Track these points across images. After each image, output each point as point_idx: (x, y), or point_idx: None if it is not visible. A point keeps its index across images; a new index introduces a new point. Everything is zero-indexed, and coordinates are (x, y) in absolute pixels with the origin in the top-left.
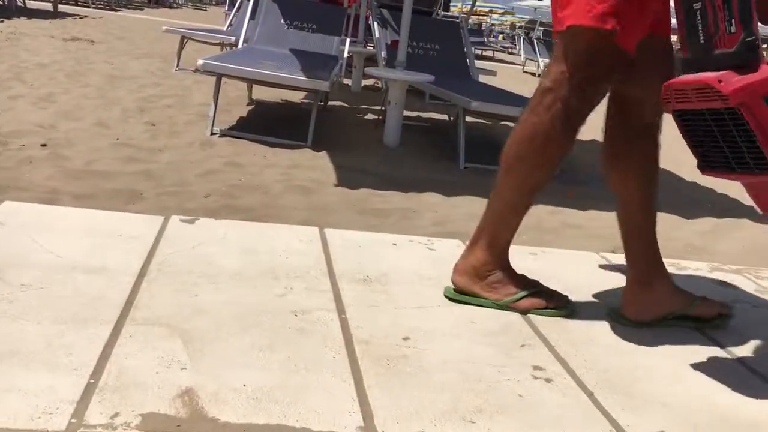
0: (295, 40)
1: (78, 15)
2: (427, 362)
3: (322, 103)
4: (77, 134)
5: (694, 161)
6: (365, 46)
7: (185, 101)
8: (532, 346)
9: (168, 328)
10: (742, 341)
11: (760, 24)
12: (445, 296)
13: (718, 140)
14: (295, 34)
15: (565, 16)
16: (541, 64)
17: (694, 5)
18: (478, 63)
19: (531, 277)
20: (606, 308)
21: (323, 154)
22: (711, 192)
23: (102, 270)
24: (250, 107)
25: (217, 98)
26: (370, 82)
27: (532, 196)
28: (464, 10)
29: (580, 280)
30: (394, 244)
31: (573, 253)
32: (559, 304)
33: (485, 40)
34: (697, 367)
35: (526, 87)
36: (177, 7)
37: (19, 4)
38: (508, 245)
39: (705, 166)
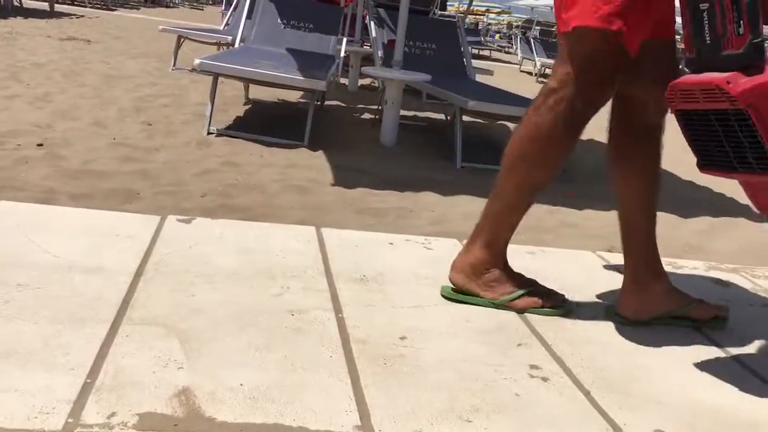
0: (292, 39)
1: (74, 14)
2: (423, 361)
3: (319, 103)
4: (74, 134)
5: (691, 160)
6: (362, 46)
7: (182, 101)
8: (528, 345)
9: (165, 328)
10: (739, 340)
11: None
12: (442, 295)
13: (721, 139)
14: (292, 34)
15: (570, 17)
16: (538, 64)
17: (701, 5)
18: (475, 62)
19: (528, 276)
20: (603, 307)
21: (320, 153)
22: (707, 191)
23: (99, 270)
24: (246, 107)
25: (214, 98)
26: (366, 81)
27: (532, 196)
28: (461, 9)
29: (578, 279)
30: (391, 244)
31: (571, 252)
32: (555, 303)
33: (482, 39)
34: (694, 365)
35: (523, 86)
36: (174, 7)
37: (16, 3)
38: (507, 244)
39: (704, 165)
